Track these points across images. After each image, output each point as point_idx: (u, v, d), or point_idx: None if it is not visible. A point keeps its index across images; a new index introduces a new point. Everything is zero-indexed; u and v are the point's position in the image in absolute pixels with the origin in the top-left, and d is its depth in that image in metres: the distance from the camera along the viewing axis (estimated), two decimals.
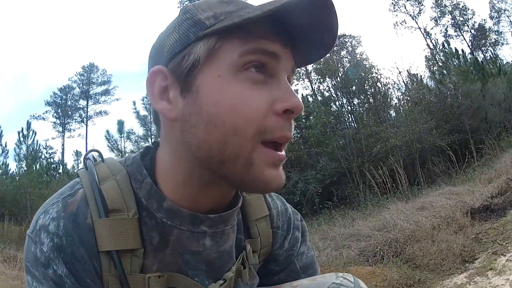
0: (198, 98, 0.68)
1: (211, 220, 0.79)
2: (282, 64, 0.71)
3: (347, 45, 26.53)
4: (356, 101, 16.94)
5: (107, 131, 24.20)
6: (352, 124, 16.98)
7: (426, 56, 22.21)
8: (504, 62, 21.50)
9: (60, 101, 32.31)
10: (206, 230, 0.79)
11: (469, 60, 17.45)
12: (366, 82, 15.84)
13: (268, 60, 0.68)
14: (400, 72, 17.25)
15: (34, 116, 30.52)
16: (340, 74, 16.70)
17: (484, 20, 27.07)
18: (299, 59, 0.77)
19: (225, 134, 0.67)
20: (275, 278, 1.04)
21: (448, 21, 27.76)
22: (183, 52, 0.69)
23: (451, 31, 27.78)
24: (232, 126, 0.66)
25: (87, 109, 32.48)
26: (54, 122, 31.81)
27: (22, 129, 20.24)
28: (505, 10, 26.15)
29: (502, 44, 25.87)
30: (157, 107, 0.74)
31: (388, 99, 16.56)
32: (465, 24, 27.12)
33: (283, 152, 0.73)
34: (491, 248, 3.80)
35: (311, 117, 16.38)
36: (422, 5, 28.13)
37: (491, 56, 23.99)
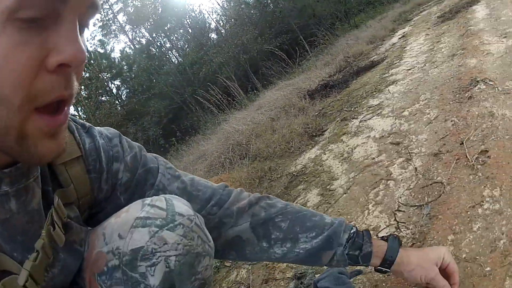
0: None
1: (8, 175, 0.67)
2: (70, 2, 0.55)
3: None
4: (175, 36, 16.72)
5: None
6: (176, 59, 16.66)
7: None
8: None
9: None
10: (7, 190, 0.67)
11: None
12: (182, 16, 15.63)
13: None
14: None
15: None
16: (153, 17, 16.19)
17: None
18: None
19: None
20: None
21: None
22: None
23: None
24: None
25: None
26: None
27: None
28: None
29: None
30: None
31: (207, 25, 16.52)
32: None
33: (65, 112, 0.63)
34: (338, 117, 3.59)
35: (134, 68, 15.87)
36: None
37: None
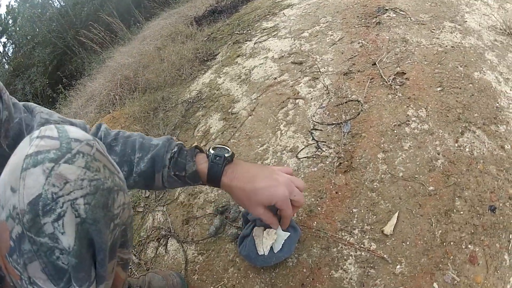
0: None
1: None
2: None
3: None
4: None
5: None
6: (58, 3, 14.84)
7: None
8: None
9: None
10: None
11: None
12: None
13: None
14: None
15: None
16: None
17: None
18: None
19: None
20: None
21: None
22: None
23: None
24: None
25: None
26: None
27: None
28: None
29: None
30: None
31: None
32: None
33: None
34: (230, 40, 3.14)
35: (18, 20, 13.96)
36: None
37: None
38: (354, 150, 1.46)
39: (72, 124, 0.98)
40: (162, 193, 1.86)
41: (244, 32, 3.13)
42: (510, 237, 1.14)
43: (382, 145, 1.43)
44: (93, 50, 8.87)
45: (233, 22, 3.65)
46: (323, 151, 1.50)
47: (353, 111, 1.63)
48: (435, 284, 1.05)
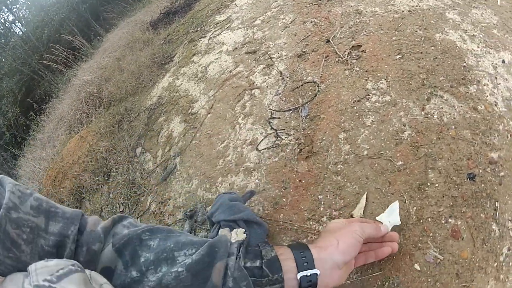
0: None
1: None
2: None
3: None
4: (16, 7, 14.51)
5: None
6: (20, 30, 14.48)
7: None
8: None
9: None
10: None
11: None
12: None
13: None
14: None
15: None
16: None
17: None
18: None
19: None
20: None
21: None
22: None
23: None
24: None
25: None
26: None
27: None
28: None
29: None
30: None
31: None
32: None
33: None
34: (186, 39, 3.07)
35: None
36: None
37: None
38: (314, 134, 1.39)
39: (56, 207, 0.75)
40: (135, 205, 1.81)
41: (199, 29, 3.05)
42: (496, 205, 1.06)
43: (342, 125, 1.35)
44: (59, 70, 8.70)
45: (187, 20, 3.57)
46: (283, 139, 1.45)
47: (310, 93, 1.56)
48: (416, 265, 0.99)
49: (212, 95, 1.97)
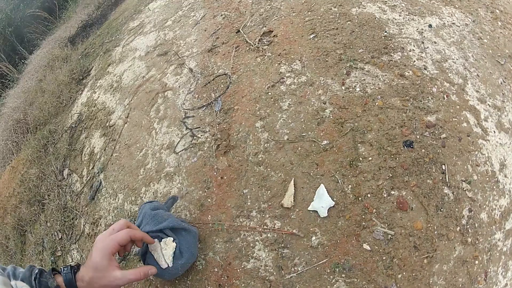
0: None
1: None
2: None
3: None
4: None
5: None
6: None
7: None
8: None
9: None
10: None
11: None
12: None
13: None
14: None
15: None
16: None
17: None
18: None
19: None
20: None
21: None
22: None
23: None
24: None
25: None
26: None
27: None
28: None
29: None
30: None
31: None
32: None
33: None
34: (101, 51, 2.96)
35: None
36: None
37: None
38: (229, 127, 1.35)
39: None
40: (72, 231, 1.74)
41: (113, 38, 2.95)
42: (444, 168, 1.02)
43: (258, 113, 1.31)
44: None
45: (103, 31, 3.45)
46: (199, 137, 1.41)
47: (222, 86, 1.53)
48: (365, 245, 0.95)
49: (127, 104, 1.90)
